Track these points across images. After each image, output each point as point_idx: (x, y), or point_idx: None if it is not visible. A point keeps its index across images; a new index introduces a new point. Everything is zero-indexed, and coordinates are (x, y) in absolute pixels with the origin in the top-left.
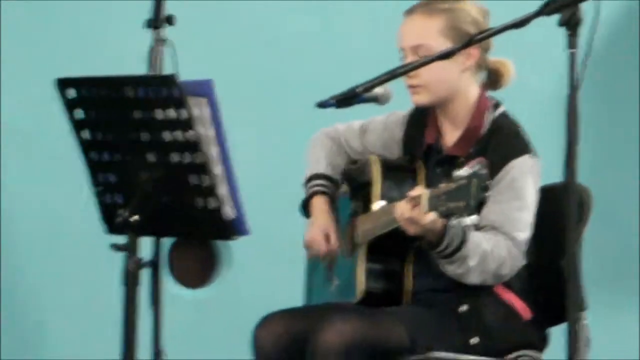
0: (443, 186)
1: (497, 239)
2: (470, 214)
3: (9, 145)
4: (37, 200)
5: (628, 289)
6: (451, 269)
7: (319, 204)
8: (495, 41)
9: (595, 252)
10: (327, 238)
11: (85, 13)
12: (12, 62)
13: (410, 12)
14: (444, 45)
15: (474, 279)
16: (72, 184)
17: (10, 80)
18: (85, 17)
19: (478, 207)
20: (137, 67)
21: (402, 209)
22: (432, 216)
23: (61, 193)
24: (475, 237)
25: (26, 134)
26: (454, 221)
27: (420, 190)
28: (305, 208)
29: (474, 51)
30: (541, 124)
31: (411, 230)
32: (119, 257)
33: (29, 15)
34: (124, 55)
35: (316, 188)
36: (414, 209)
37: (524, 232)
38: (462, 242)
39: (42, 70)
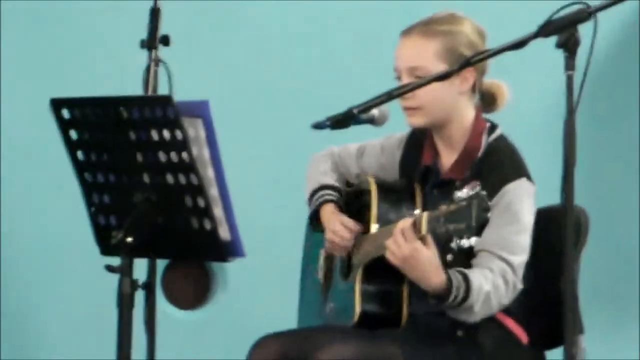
0: (443, 208)
1: (493, 270)
2: (470, 236)
3: (8, 162)
4: (36, 216)
5: (627, 310)
6: (456, 315)
7: (331, 211)
8: (492, 61)
9: (593, 274)
10: (346, 227)
11: (82, 33)
12: (11, 79)
13: (407, 33)
14: (439, 67)
15: (478, 318)
16: (71, 201)
17: (10, 97)
18: (81, 37)
19: (479, 229)
20: (132, 87)
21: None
22: (419, 244)
23: (60, 210)
24: (476, 281)
25: (25, 151)
26: (453, 244)
27: (408, 223)
28: (314, 219)
29: (469, 74)
30: (537, 144)
31: (398, 253)
32: (115, 277)
33: (28, 33)
34: (119, 76)
35: (325, 197)
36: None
37: (521, 255)
38: (467, 292)
39: (40, 88)
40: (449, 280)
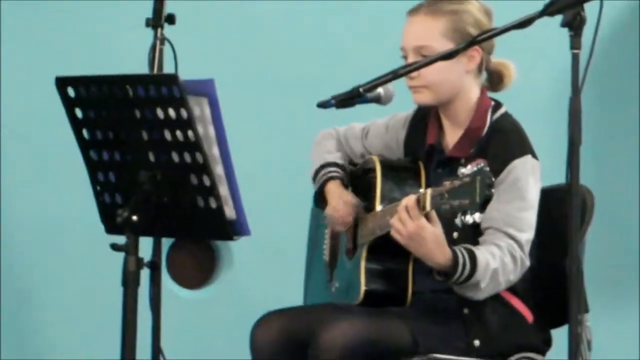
0: (447, 184)
1: (501, 247)
2: (474, 212)
3: (9, 145)
4: (37, 199)
5: (629, 291)
6: (462, 292)
7: (334, 188)
8: (498, 40)
9: (596, 253)
10: (345, 202)
11: (86, 12)
12: (12, 61)
13: (413, 12)
14: (446, 46)
15: (485, 295)
16: (72, 183)
17: (10, 80)
18: (85, 16)
19: (483, 205)
20: (137, 66)
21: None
22: (424, 221)
23: (61, 192)
24: (482, 257)
25: (26, 133)
26: (457, 220)
27: (412, 200)
28: (320, 197)
29: (476, 53)
30: (542, 124)
31: (403, 231)
32: (120, 257)
33: (29, 15)
34: (124, 54)
35: (329, 174)
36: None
37: (527, 232)
38: (473, 269)
39: (42, 70)
40: (455, 257)
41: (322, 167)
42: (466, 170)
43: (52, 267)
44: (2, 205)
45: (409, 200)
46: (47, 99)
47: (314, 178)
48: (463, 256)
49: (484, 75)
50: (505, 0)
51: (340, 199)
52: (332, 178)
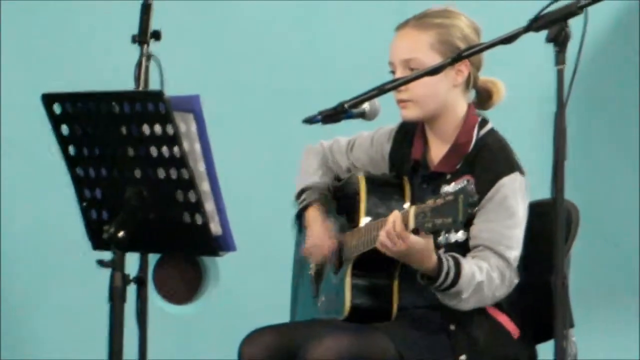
0: (430, 202)
1: (490, 263)
2: (457, 230)
3: (6, 156)
4: (34, 209)
5: (627, 306)
6: (446, 300)
7: (313, 214)
8: (485, 56)
9: (590, 267)
10: (323, 236)
11: (71, 30)
12: (7, 76)
13: (401, 26)
14: (434, 60)
15: (469, 306)
16: (70, 194)
17: (5, 94)
18: (70, 34)
19: (466, 224)
20: (123, 82)
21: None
22: (414, 238)
23: (54, 206)
24: (468, 268)
25: (18, 147)
26: (441, 238)
27: (399, 218)
28: (299, 220)
29: (464, 68)
30: (528, 138)
31: (393, 249)
32: (108, 272)
33: (27, 31)
34: (110, 71)
35: (308, 200)
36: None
37: (516, 249)
38: (457, 277)
39: (34, 85)
40: (440, 263)
41: (302, 191)
42: (450, 188)
43: (42, 281)
44: (2, 214)
45: (397, 218)
46: (39, 113)
47: (297, 199)
48: (448, 264)
49: (472, 92)
50: (492, 15)
51: (317, 235)
52: (311, 204)
